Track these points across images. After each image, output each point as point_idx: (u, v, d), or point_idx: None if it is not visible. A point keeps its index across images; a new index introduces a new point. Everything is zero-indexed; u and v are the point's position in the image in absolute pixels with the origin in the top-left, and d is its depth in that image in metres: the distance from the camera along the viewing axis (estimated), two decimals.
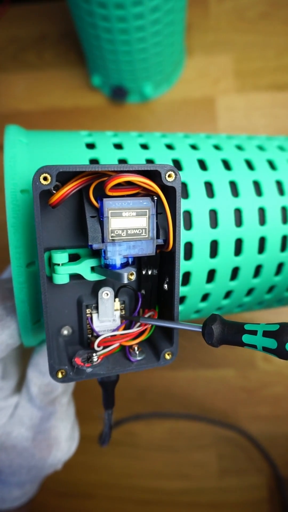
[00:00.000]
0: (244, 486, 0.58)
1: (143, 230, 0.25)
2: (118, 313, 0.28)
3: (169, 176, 0.24)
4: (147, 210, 0.24)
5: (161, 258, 0.28)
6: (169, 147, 0.32)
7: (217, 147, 0.34)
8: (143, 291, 0.28)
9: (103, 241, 0.24)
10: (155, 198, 0.25)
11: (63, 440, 0.34)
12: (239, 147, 0.35)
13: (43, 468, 0.33)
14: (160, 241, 0.25)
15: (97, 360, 0.26)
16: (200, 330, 0.24)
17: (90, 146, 0.30)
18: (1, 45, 0.68)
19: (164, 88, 0.63)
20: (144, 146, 0.31)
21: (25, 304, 0.26)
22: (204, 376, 0.60)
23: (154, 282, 0.28)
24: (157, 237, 0.25)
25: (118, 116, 0.64)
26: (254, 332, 0.23)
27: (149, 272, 0.28)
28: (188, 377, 0.60)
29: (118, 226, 0.24)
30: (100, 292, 0.27)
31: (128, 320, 0.28)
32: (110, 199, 0.24)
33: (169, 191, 0.25)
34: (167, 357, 0.27)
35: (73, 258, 0.26)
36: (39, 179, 0.22)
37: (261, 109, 0.62)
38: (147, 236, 0.25)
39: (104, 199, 0.24)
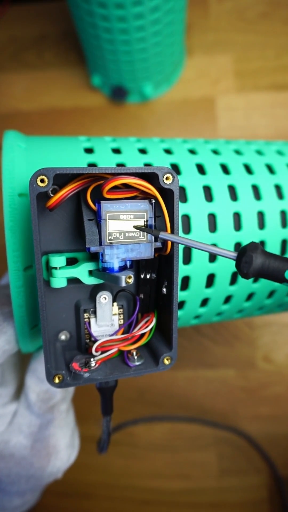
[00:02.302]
0: (244, 486, 0.58)
1: (141, 233, 0.25)
2: (116, 318, 0.28)
3: (167, 178, 0.24)
4: (145, 213, 0.25)
5: (159, 262, 0.28)
6: (168, 151, 0.32)
7: (215, 152, 0.34)
8: (141, 295, 0.28)
9: (100, 244, 0.24)
10: (153, 201, 0.25)
11: (62, 448, 0.33)
12: (238, 152, 0.34)
13: (42, 477, 0.33)
14: (158, 244, 0.25)
15: (95, 365, 0.26)
16: (235, 257, 0.22)
17: (88, 150, 0.30)
18: (1, 45, 0.68)
19: (164, 88, 0.63)
20: (142, 151, 0.31)
21: (23, 309, 0.26)
22: (204, 376, 0.60)
23: (152, 286, 0.28)
24: (155, 240, 0.25)
25: (118, 116, 0.64)
26: None
27: (148, 276, 0.28)
28: (188, 377, 0.60)
29: (116, 229, 0.24)
30: (98, 296, 0.27)
31: (126, 325, 0.28)
32: (108, 202, 0.24)
33: (167, 194, 0.25)
34: (166, 362, 0.27)
35: (71, 262, 0.26)
36: (36, 181, 0.22)
37: (261, 109, 0.62)
38: (145, 239, 0.25)
39: (102, 202, 0.24)
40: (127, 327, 0.29)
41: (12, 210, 0.25)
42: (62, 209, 0.26)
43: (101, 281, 0.26)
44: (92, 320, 0.28)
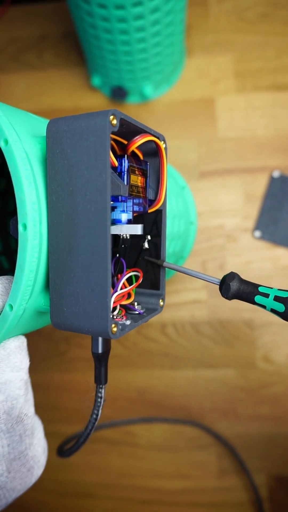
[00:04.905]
0: (244, 486, 0.58)
1: (143, 189, 0.28)
2: None
3: (164, 142, 0.29)
4: (147, 172, 0.29)
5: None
6: None
7: None
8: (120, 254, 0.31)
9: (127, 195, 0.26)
10: (148, 163, 0.29)
11: (41, 454, 0.29)
12: None
13: (24, 490, 0.29)
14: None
15: (123, 317, 0.28)
16: (218, 283, 0.27)
17: None
18: (1, 46, 0.68)
19: (164, 88, 0.63)
20: None
21: (33, 274, 0.24)
22: (204, 376, 0.60)
23: (128, 245, 0.31)
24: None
25: None
26: (266, 295, 0.26)
27: (126, 236, 0.30)
28: (188, 377, 0.60)
29: (133, 182, 0.27)
30: None
31: (121, 282, 0.30)
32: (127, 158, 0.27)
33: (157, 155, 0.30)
34: (161, 303, 0.31)
35: None
36: (111, 119, 0.23)
37: (261, 109, 0.62)
38: (144, 195, 0.28)
39: (125, 157, 0.26)
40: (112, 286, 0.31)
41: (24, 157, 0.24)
42: None
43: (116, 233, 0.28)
44: None
